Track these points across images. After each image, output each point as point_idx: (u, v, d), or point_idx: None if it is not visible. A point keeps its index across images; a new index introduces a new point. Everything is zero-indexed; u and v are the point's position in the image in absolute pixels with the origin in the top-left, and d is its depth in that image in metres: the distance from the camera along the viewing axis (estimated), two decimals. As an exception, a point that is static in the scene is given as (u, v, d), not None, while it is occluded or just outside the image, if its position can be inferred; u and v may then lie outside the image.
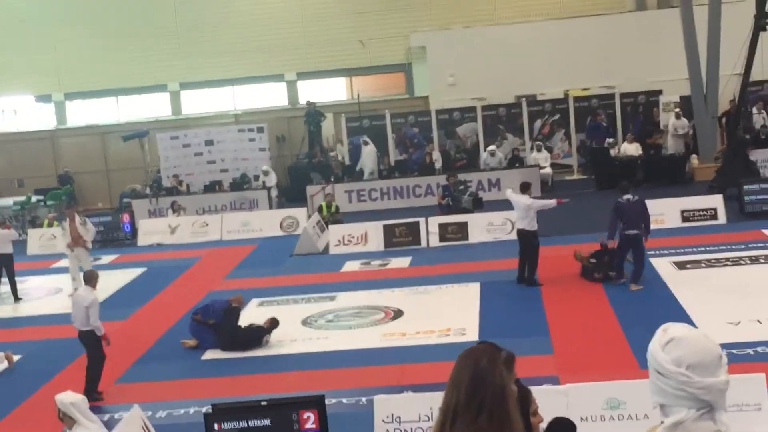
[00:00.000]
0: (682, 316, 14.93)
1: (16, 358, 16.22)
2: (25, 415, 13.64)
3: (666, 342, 3.12)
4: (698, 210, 22.79)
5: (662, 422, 3.17)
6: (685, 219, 22.65)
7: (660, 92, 32.15)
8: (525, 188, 18.74)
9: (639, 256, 17.34)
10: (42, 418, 13.28)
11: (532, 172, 29.53)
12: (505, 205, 25.09)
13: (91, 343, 13.99)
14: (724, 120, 29.63)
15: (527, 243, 18.29)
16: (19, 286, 21.26)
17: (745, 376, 10.52)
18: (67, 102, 38.96)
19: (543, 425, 6.86)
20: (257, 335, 15.94)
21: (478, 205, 25.63)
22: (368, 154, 31.62)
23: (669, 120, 30.49)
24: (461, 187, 26.44)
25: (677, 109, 30.53)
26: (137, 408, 11.46)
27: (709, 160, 28.40)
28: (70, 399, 9.20)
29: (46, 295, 21.59)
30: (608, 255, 17.84)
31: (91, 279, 14.30)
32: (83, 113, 39.10)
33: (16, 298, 21.06)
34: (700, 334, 3.17)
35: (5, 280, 21.07)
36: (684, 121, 30.05)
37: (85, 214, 29.42)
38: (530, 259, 18.34)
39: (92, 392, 13.61)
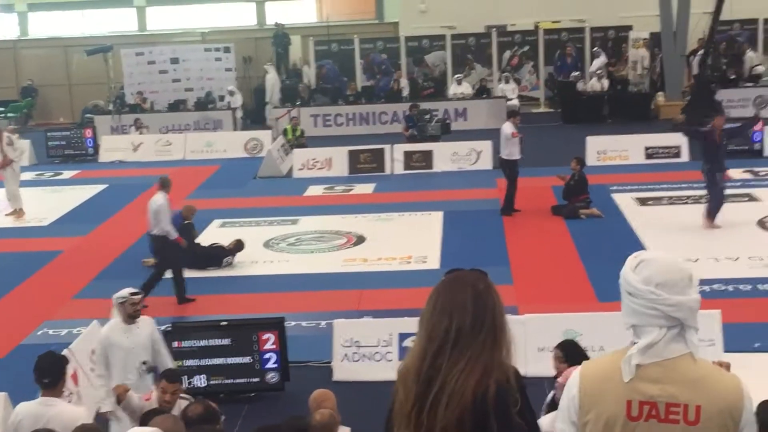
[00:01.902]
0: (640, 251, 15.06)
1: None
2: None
3: (636, 264, 3.24)
4: (662, 147, 22.88)
5: (634, 343, 3.24)
6: (648, 156, 22.75)
7: (630, 28, 32.02)
8: (509, 115, 18.75)
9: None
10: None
11: (499, 103, 29.46)
12: (471, 135, 25.15)
13: (160, 247, 14.12)
14: (691, 58, 29.62)
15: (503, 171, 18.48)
16: (-22, 199, 21.03)
17: (701, 312, 10.65)
18: (30, 13, 38.17)
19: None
20: (218, 255, 15.91)
21: (446, 131, 25.55)
22: (270, 81, 31.60)
23: (637, 55, 30.48)
24: (426, 116, 26.30)
25: (595, 48, 30.80)
26: (96, 324, 11.42)
27: (675, 98, 28.44)
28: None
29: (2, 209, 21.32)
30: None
31: (164, 185, 14.34)
32: (46, 25, 38.35)
33: (-25, 211, 20.84)
34: (669, 256, 3.29)
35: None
36: (598, 61, 30.28)
37: (46, 128, 29.18)
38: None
39: (182, 297, 13.97)
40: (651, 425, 3.18)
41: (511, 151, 18.23)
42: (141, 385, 9.01)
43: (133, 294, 9.34)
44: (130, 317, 9.29)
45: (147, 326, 9.42)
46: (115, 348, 9.16)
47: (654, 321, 3.18)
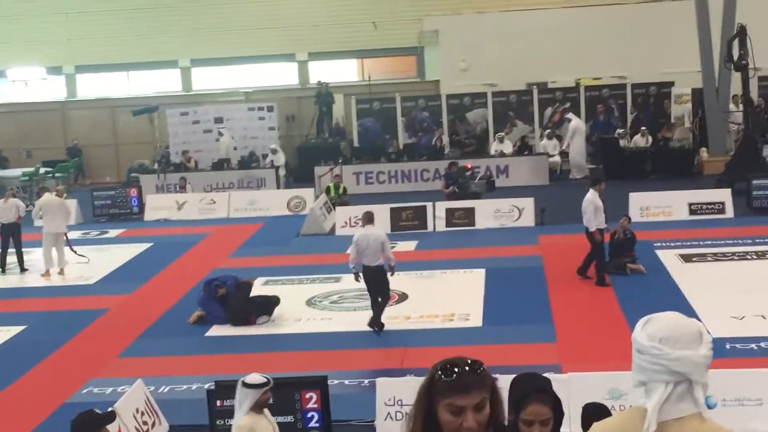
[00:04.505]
0: (686, 309, 14.93)
1: (20, 329, 16.28)
2: (28, 386, 13.68)
3: (644, 322, 3.34)
4: (706, 203, 22.75)
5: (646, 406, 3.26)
6: (692, 212, 22.62)
7: (672, 84, 32.04)
8: (593, 182, 17.65)
9: None
10: (44, 389, 13.35)
11: (541, 159, 29.53)
12: (513, 192, 25.17)
13: (381, 276, 15.09)
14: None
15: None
16: (25, 257, 21.27)
17: (748, 371, 10.53)
18: (78, 75, 38.94)
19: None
20: (270, 302, 16.11)
21: (491, 188, 25.53)
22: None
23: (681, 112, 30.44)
24: (468, 173, 26.36)
25: (568, 114, 31.06)
26: (140, 382, 11.50)
27: (718, 154, 28.32)
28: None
29: (55, 266, 21.59)
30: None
31: (369, 218, 15.72)
32: (93, 86, 39.08)
33: (22, 269, 21.09)
34: (677, 315, 3.35)
35: (12, 250, 21.08)
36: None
37: (92, 188, 29.64)
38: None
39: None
40: None
41: (600, 220, 17.13)
42: None
43: None
44: None
45: None
46: None
47: (659, 377, 3.22)
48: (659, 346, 3.21)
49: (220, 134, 32.32)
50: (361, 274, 15.24)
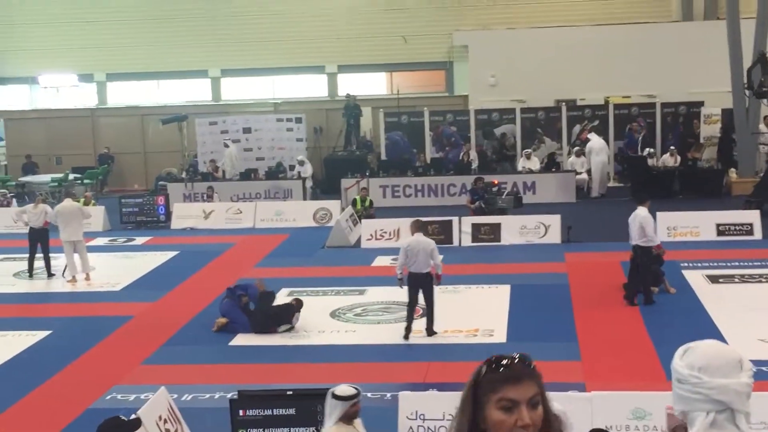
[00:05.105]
0: (712, 330, 14.84)
1: (46, 334, 16.38)
2: (52, 391, 13.76)
3: (683, 351, 3.26)
4: (734, 224, 22.59)
5: None
6: (720, 233, 22.47)
7: (702, 104, 31.88)
8: (643, 200, 17.48)
9: None
10: (68, 394, 13.42)
11: (568, 177, 29.44)
12: (540, 208, 25.10)
13: (428, 284, 15.43)
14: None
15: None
16: (52, 262, 21.42)
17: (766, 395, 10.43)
18: (109, 83, 39.26)
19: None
20: (288, 311, 16.15)
21: (518, 204, 25.42)
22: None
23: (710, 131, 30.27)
24: (494, 189, 26.29)
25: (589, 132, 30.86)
26: (164, 390, 11.53)
27: (747, 175, 28.14)
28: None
29: (80, 272, 21.73)
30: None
31: (418, 227, 16.18)
32: (124, 94, 39.39)
33: (50, 274, 21.24)
34: (717, 343, 3.30)
35: (40, 255, 21.23)
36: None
37: (120, 195, 29.83)
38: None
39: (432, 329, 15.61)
40: None
41: (640, 237, 16.98)
42: None
43: None
44: None
45: None
46: None
47: (699, 405, 3.17)
48: (698, 374, 3.16)
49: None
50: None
